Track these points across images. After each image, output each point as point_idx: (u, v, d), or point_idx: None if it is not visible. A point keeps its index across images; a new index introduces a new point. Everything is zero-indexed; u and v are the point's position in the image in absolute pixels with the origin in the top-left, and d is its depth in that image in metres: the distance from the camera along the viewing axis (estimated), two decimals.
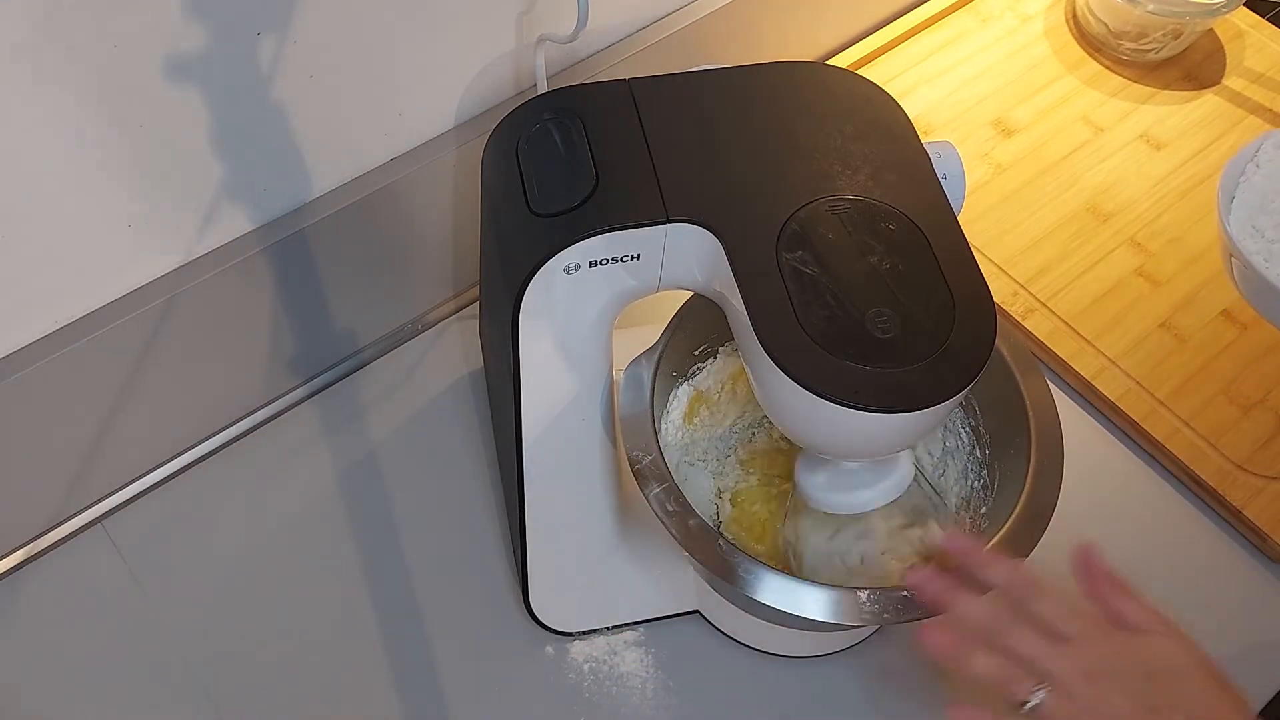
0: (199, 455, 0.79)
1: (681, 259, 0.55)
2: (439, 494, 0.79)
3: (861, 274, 0.51)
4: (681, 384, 0.72)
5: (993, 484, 0.65)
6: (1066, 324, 0.85)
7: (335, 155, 0.71)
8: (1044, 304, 0.86)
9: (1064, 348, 0.84)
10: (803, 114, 0.57)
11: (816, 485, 0.59)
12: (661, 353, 0.64)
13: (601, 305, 0.57)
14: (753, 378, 0.54)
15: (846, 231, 0.52)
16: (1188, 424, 0.80)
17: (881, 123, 0.57)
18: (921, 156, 0.56)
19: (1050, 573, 0.74)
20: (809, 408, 0.49)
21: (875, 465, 0.59)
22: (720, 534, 0.57)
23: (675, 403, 0.72)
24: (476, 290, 0.87)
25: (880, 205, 0.53)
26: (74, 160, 0.59)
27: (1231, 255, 0.76)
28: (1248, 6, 1.02)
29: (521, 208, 0.55)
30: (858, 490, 0.59)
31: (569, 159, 0.55)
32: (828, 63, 0.99)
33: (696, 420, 0.73)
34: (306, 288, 0.76)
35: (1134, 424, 0.80)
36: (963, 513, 0.69)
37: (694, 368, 0.71)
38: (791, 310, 0.50)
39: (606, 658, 0.72)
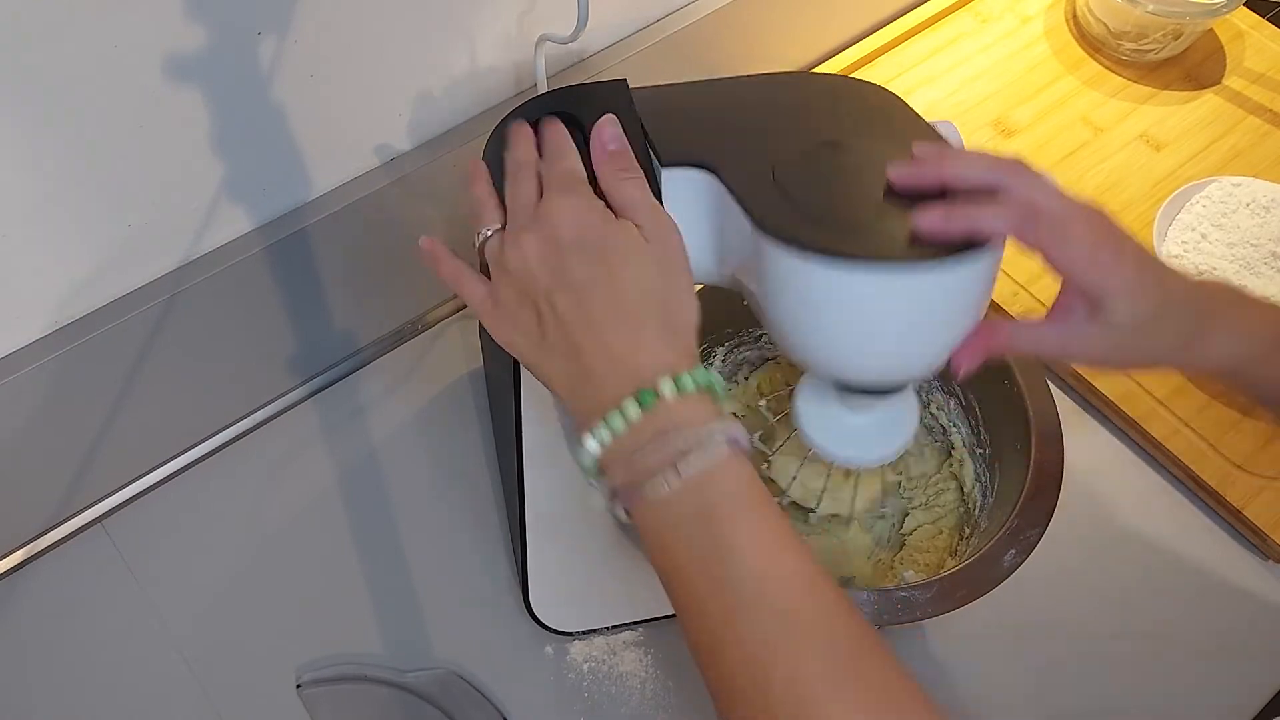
0: (199, 455, 0.79)
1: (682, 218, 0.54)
2: (439, 494, 0.79)
3: (859, 178, 0.50)
4: None
5: (993, 484, 0.66)
6: None
7: (335, 155, 0.71)
8: (1044, 304, 0.86)
9: None
10: (808, 114, 0.56)
11: (811, 420, 0.57)
12: None
13: None
14: (760, 293, 0.51)
15: (842, 156, 0.52)
16: (1187, 424, 0.80)
17: (886, 110, 0.56)
18: (930, 132, 0.55)
19: (1052, 578, 0.74)
20: (816, 288, 0.47)
21: (878, 422, 0.56)
22: None
23: None
24: None
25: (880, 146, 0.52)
26: (74, 160, 0.59)
27: None
28: (1248, 6, 1.02)
29: None
30: (853, 441, 0.56)
31: None
32: (829, 65, 0.99)
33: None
34: (306, 288, 0.76)
35: (1134, 424, 0.80)
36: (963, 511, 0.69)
37: None
38: (790, 201, 0.49)
39: (606, 658, 0.72)
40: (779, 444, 0.73)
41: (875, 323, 0.48)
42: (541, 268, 0.46)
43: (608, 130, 0.50)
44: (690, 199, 0.53)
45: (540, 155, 0.51)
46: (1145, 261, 0.49)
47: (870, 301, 0.47)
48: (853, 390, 0.53)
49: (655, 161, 0.53)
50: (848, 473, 0.70)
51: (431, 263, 0.51)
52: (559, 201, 0.47)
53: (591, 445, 0.45)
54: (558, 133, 0.51)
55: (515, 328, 0.48)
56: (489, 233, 0.49)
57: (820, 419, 0.56)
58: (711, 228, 0.54)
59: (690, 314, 0.48)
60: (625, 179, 0.49)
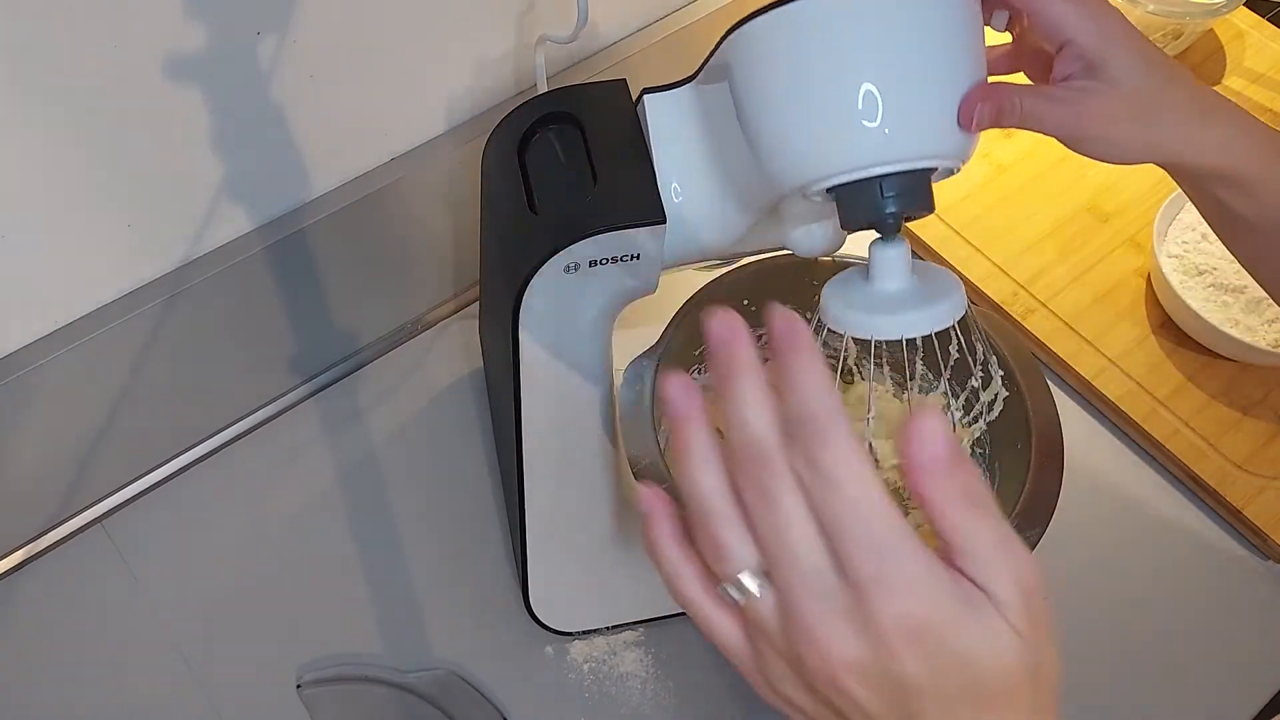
0: (199, 455, 0.79)
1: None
2: (439, 494, 0.79)
3: None
4: None
5: (993, 484, 0.66)
6: (1066, 324, 0.85)
7: (335, 155, 0.71)
8: (1044, 304, 0.86)
9: (1064, 348, 0.84)
10: None
11: (849, 304, 0.49)
12: (661, 352, 0.64)
13: (601, 305, 0.57)
14: (747, 113, 0.47)
15: None
16: (1187, 424, 0.80)
17: None
18: None
19: (1051, 578, 0.74)
20: (790, 36, 0.44)
21: (915, 289, 0.49)
22: None
23: None
24: (476, 290, 0.87)
25: None
26: (74, 160, 0.59)
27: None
28: (1248, 6, 1.02)
29: (522, 208, 0.55)
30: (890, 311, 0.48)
31: (569, 159, 0.55)
32: None
33: None
34: (306, 288, 0.76)
35: (1134, 424, 0.80)
36: None
37: (694, 368, 0.72)
38: None
39: (606, 658, 0.72)
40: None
41: (855, 57, 0.44)
42: (871, 702, 0.33)
43: (934, 431, 0.32)
44: (681, 117, 0.52)
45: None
46: (1135, 29, 0.48)
47: (842, 21, 0.43)
48: (863, 206, 0.46)
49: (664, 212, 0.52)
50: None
51: (646, 530, 0.37)
52: (897, 613, 0.31)
53: None
54: (814, 381, 0.32)
55: (798, 713, 0.35)
56: (754, 591, 0.33)
57: (850, 297, 0.49)
58: (704, 134, 0.52)
59: (1056, 682, 0.35)
60: (973, 515, 0.32)
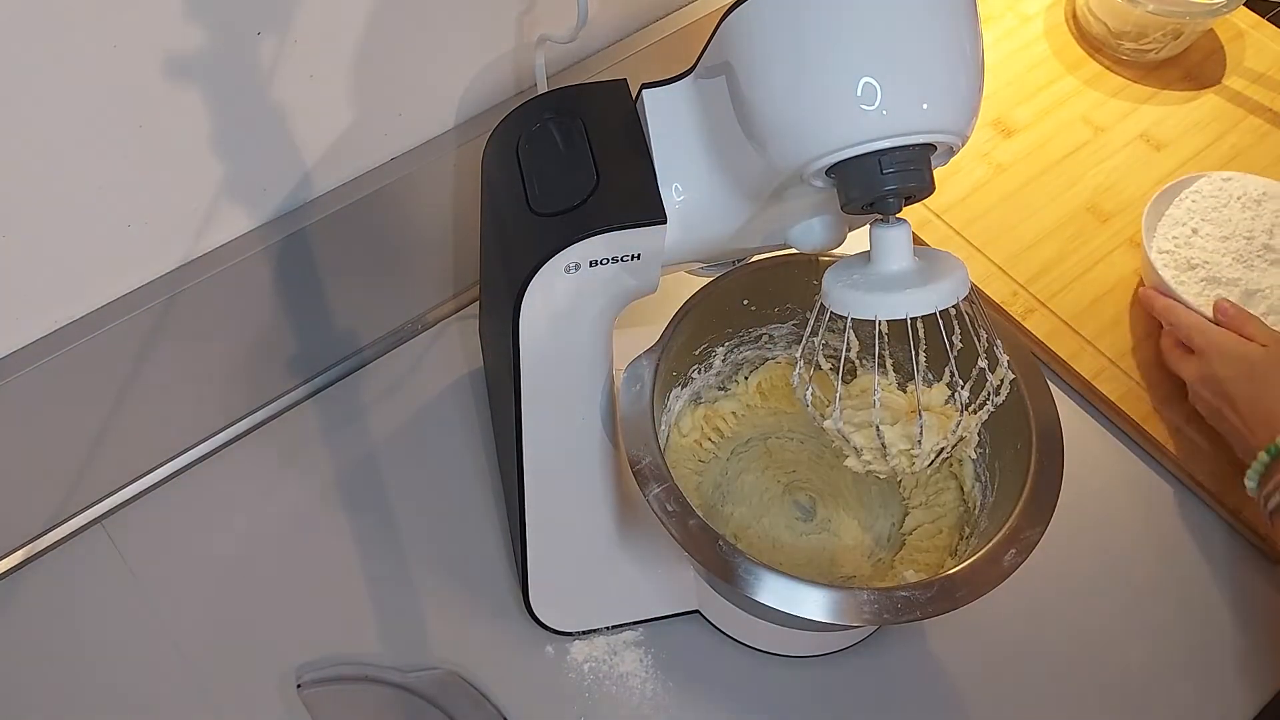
0: (199, 455, 0.79)
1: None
2: (439, 494, 0.79)
3: None
4: (683, 384, 0.72)
5: (993, 484, 0.65)
6: (1066, 324, 0.85)
7: (335, 155, 0.71)
8: (1044, 304, 0.86)
9: (1064, 348, 0.84)
10: None
11: (851, 284, 0.49)
12: (662, 352, 0.64)
13: (601, 305, 0.57)
14: (749, 100, 0.47)
15: None
16: (1187, 425, 0.80)
17: None
18: None
19: (1052, 578, 0.74)
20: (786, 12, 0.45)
21: (917, 270, 0.50)
22: (720, 534, 0.57)
23: (676, 403, 0.72)
24: (476, 290, 0.87)
25: None
26: (74, 161, 0.59)
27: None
28: (1248, 6, 1.02)
29: (522, 207, 0.55)
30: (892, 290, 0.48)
31: (569, 159, 0.55)
32: None
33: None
34: (306, 288, 0.76)
35: (1134, 424, 0.80)
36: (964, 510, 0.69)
37: (694, 368, 0.72)
38: None
39: (606, 658, 0.72)
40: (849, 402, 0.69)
41: (853, 31, 0.44)
42: (1222, 381, 0.75)
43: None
44: (681, 110, 0.53)
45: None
46: None
47: None
48: (862, 183, 0.46)
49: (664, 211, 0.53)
50: (912, 409, 0.67)
51: (1151, 308, 0.82)
52: (1219, 343, 0.76)
53: (1250, 476, 0.72)
54: (1257, 322, 0.79)
55: (1203, 402, 0.77)
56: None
57: (852, 279, 0.49)
58: (704, 125, 0.53)
59: None
60: (1251, 328, 0.77)
